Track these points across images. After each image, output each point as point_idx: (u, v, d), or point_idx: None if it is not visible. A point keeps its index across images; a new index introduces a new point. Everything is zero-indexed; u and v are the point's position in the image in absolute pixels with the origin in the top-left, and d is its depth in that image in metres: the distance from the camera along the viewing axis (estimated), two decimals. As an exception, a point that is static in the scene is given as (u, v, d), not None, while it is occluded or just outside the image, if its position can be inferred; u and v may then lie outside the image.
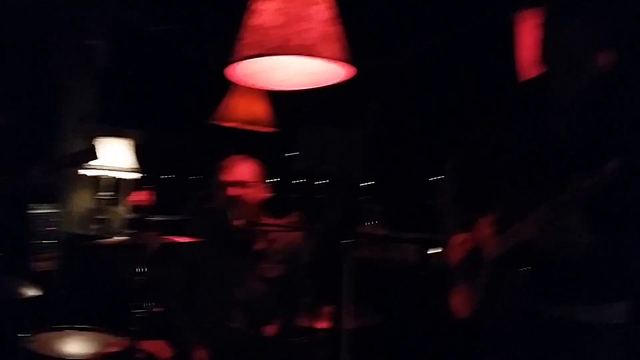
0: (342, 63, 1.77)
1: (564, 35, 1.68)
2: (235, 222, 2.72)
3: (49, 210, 3.58)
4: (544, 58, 1.75)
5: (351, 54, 1.81)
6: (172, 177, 6.91)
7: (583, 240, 1.53)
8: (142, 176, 4.60)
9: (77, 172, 4.03)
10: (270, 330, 2.72)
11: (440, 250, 2.81)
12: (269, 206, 2.89)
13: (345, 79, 1.89)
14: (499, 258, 1.76)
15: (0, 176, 2.69)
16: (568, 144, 1.69)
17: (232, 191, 2.77)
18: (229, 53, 1.84)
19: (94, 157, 2.77)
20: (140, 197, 4.72)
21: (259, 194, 2.84)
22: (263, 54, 1.73)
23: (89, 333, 2.48)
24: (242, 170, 2.81)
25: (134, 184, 4.76)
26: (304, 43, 1.69)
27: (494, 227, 1.82)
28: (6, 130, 3.02)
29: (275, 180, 2.92)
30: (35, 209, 3.09)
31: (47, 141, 2.98)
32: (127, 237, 2.43)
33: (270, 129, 3.57)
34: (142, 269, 2.32)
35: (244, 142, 3.65)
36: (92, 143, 2.86)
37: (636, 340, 1.69)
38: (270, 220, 2.87)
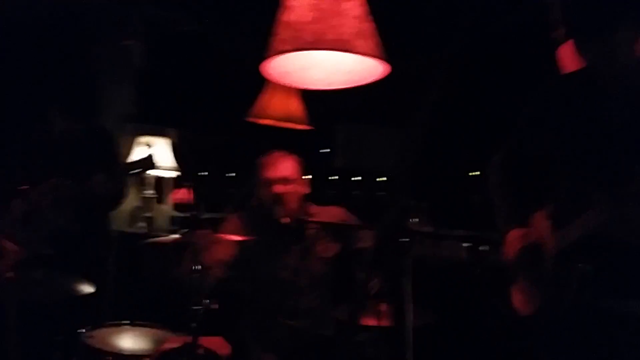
0: (378, 59, 1.77)
1: (608, 42, 1.65)
2: (284, 219, 2.72)
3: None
4: (580, 51, 1.73)
5: (387, 52, 1.81)
6: (208, 175, 6.98)
7: None
8: (180, 174, 4.69)
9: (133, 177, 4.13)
10: (329, 325, 2.72)
11: (489, 247, 2.77)
12: (309, 202, 2.91)
13: (380, 77, 1.88)
14: (562, 252, 1.72)
15: (62, 179, 2.78)
16: (620, 132, 1.66)
17: (277, 188, 2.77)
18: (264, 50, 1.86)
19: (152, 166, 2.86)
20: (181, 195, 4.82)
21: (301, 189, 2.85)
22: (298, 49, 1.73)
23: (146, 329, 2.52)
24: (285, 166, 2.83)
25: (174, 182, 4.86)
26: (339, 38, 1.69)
27: (552, 220, 1.77)
28: (63, 136, 3.11)
29: (311, 176, 2.94)
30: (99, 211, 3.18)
31: (99, 145, 3.06)
32: (180, 235, 2.45)
33: (305, 127, 3.58)
34: (198, 267, 2.33)
35: (278, 138, 3.69)
36: (149, 152, 2.93)
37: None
38: (318, 210, 2.88)
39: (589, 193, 1.62)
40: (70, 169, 2.84)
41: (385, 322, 2.47)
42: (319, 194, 2.98)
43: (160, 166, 4.48)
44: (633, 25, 1.65)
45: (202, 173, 6.77)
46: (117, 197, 3.07)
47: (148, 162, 2.83)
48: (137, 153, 4.30)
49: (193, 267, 2.32)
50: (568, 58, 2.07)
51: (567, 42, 1.77)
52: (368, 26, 1.79)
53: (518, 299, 1.91)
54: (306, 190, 2.88)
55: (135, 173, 2.90)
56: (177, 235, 2.48)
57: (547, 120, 1.86)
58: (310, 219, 2.82)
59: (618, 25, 1.63)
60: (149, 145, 4.09)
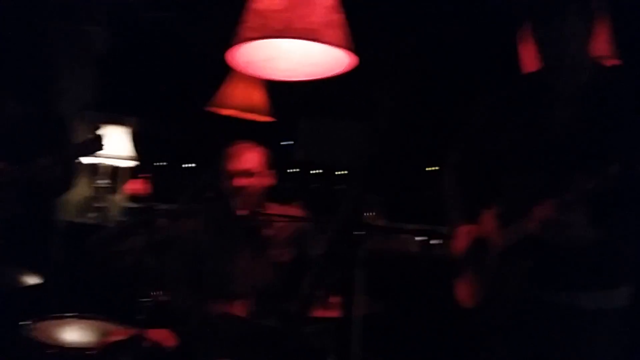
0: (345, 50, 1.78)
1: (558, 30, 1.70)
2: (240, 212, 2.68)
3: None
4: (540, 52, 1.77)
5: (354, 44, 1.81)
6: (165, 165, 6.89)
7: (587, 235, 1.59)
8: (137, 164, 4.60)
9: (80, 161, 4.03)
10: (276, 318, 2.70)
11: (440, 241, 2.82)
12: (270, 194, 2.86)
13: (347, 69, 1.89)
14: (504, 250, 1.80)
15: (5, 163, 2.69)
16: (568, 138, 1.72)
17: (239, 181, 2.72)
18: (229, 39, 1.83)
19: (100, 148, 2.77)
20: (136, 185, 4.72)
21: (265, 182, 2.80)
22: (266, 37, 1.73)
23: (91, 321, 2.45)
24: (249, 158, 2.76)
25: (131, 172, 4.76)
26: (307, 27, 1.68)
27: (498, 220, 1.85)
28: (11, 119, 3.01)
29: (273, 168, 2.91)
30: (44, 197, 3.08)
31: (48, 130, 2.97)
32: (129, 225, 2.41)
33: (267, 118, 3.56)
34: (146, 257, 2.30)
35: (240, 129, 3.65)
36: (98, 133, 2.85)
37: (636, 324, 1.75)
38: (276, 208, 2.84)
39: (533, 195, 1.69)
40: (15, 153, 2.75)
41: (334, 314, 2.49)
42: (278, 186, 2.95)
43: (116, 155, 4.39)
44: (583, 21, 1.70)
45: (162, 163, 6.68)
46: (64, 183, 2.98)
47: (96, 145, 2.75)
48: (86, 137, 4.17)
49: (140, 258, 2.28)
50: (529, 56, 2.11)
51: (529, 39, 1.80)
52: (338, 17, 1.79)
53: (462, 292, 1.99)
54: (270, 182, 2.83)
55: (83, 156, 2.82)
56: (126, 226, 2.44)
57: (499, 121, 1.92)
58: (265, 212, 2.79)
59: (568, 18, 1.69)
60: (98, 129, 3.99)
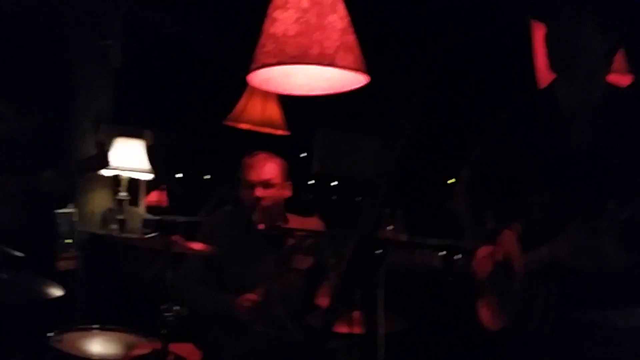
0: (359, 72, 1.82)
1: (573, 45, 1.70)
2: (260, 225, 2.65)
3: (70, 210, 3.65)
4: (553, 67, 1.77)
5: (368, 62, 1.85)
6: (185, 177, 6.95)
7: (619, 262, 1.57)
8: (156, 176, 4.65)
9: (91, 175, 4.09)
10: (300, 331, 2.68)
11: (463, 256, 2.80)
12: (289, 205, 2.87)
13: (360, 86, 1.93)
14: (531, 273, 1.75)
15: (22, 177, 2.74)
16: (587, 157, 1.70)
17: (257, 191, 2.71)
18: (244, 53, 1.87)
19: (105, 164, 2.82)
20: (156, 197, 4.78)
21: (283, 193, 2.79)
22: (282, 63, 1.77)
23: (116, 333, 2.47)
24: (268, 169, 2.75)
25: (150, 185, 4.82)
26: (324, 52, 1.73)
27: (521, 240, 1.80)
28: (25, 131, 3.07)
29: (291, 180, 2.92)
30: (57, 210, 3.15)
31: (64, 142, 3.04)
32: (150, 239, 2.43)
33: (283, 132, 3.61)
34: (167, 271, 2.33)
35: (257, 141, 3.70)
36: (104, 149, 2.91)
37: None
38: (295, 219, 2.83)
39: (557, 214, 1.68)
40: (19, 165, 2.81)
41: (357, 330, 2.46)
42: (297, 197, 2.96)
43: (134, 168, 4.45)
44: (599, 35, 1.70)
45: (181, 175, 6.73)
46: (67, 196, 3.03)
47: (101, 160, 2.81)
48: (94, 152, 4.23)
49: (162, 272, 2.30)
50: (544, 72, 2.11)
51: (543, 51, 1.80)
52: (350, 39, 1.83)
53: (485, 314, 1.95)
54: (288, 194, 2.83)
55: (88, 171, 2.86)
56: (148, 236, 2.46)
57: (516, 139, 1.90)
58: (286, 227, 2.78)
59: (585, 30, 1.68)
60: (105, 144, 4.03)
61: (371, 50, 1.94)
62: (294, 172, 2.92)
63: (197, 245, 2.46)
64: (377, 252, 1.87)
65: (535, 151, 1.82)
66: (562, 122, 1.79)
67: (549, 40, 1.77)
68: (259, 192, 2.71)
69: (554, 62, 1.77)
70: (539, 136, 1.83)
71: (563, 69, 1.77)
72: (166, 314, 2.23)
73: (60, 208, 3.19)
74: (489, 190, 2.01)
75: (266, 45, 1.79)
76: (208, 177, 7.05)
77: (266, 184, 2.73)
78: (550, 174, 1.78)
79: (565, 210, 1.67)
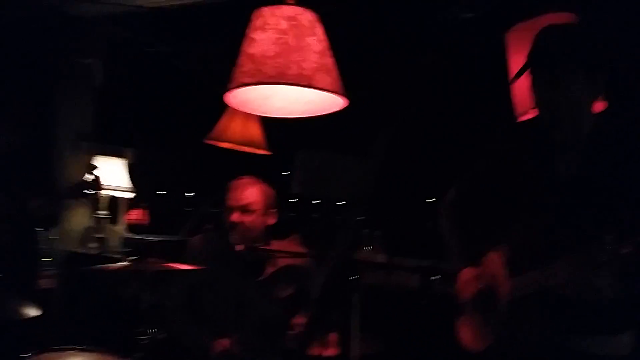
0: (337, 94, 1.83)
1: (556, 83, 1.67)
2: (238, 247, 2.66)
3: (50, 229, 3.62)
4: (536, 104, 1.74)
5: (345, 84, 1.87)
6: (165, 195, 6.91)
7: (611, 294, 1.54)
8: (136, 195, 4.63)
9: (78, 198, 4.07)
10: (276, 355, 2.66)
11: (441, 277, 2.80)
12: (271, 231, 2.84)
13: (338, 109, 1.95)
14: (516, 298, 1.72)
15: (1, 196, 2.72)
16: (572, 186, 1.69)
17: (234, 216, 2.71)
18: (225, 71, 1.87)
19: (98, 189, 2.82)
20: (137, 215, 4.75)
21: (265, 220, 2.77)
22: (260, 83, 1.78)
23: (90, 354, 2.40)
24: (250, 194, 2.74)
25: (130, 203, 4.80)
26: (300, 73, 1.74)
27: (506, 263, 1.77)
28: (7, 151, 3.05)
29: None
30: (36, 229, 3.12)
31: (45, 161, 3.02)
32: (127, 263, 2.42)
33: (264, 151, 3.61)
34: (144, 294, 2.31)
35: (241, 159, 3.69)
36: (96, 175, 2.90)
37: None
38: (275, 244, 2.81)
39: (543, 237, 1.66)
40: (8, 186, 2.80)
41: (332, 352, 2.48)
42: (279, 215, 2.94)
43: (114, 187, 4.43)
44: (594, 82, 1.69)
45: (162, 193, 6.69)
46: (53, 220, 3.02)
47: (93, 185, 2.81)
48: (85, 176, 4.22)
49: (139, 294, 2.27)
50: (522, 95, 2.12)
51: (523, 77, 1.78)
52: (329, 61, 1.84)
53: (465, 335, 1.92)
54: (271, 221, 2.80)
55: (80, 196, 2.86)
56: (125, 263, 2.45)
57: (502, 165, 1.88)
58: (264, 248, 2.76)
59: (570, 67, 1.66)
60: (94, 168, 4.02)
61: (349, 73, 1.96)
62: (278, 190, 2.90)
63: (176, 265, 2.45)
64: (353, 277, 1.86)
65: (524, 175, 1.81)
66: (550, 148, 1.78)
67: (535, 86, 1.73)
68: (235, 216, 2.71)
69: (540, 106, 1.75)
70: (528, 160, 1.82)
71: (549, 114, 1.73)
72: (141, 337, 2.21)
73: (43, 228, 3.15)
74: (475, 212, 1.98)
75: (244, 65, 1.80)
76: (191, 194, 7.02)
77: (244, 209, 2.72)
78: (538, 199, 1.76)
79: (552, 238, 1.66)
